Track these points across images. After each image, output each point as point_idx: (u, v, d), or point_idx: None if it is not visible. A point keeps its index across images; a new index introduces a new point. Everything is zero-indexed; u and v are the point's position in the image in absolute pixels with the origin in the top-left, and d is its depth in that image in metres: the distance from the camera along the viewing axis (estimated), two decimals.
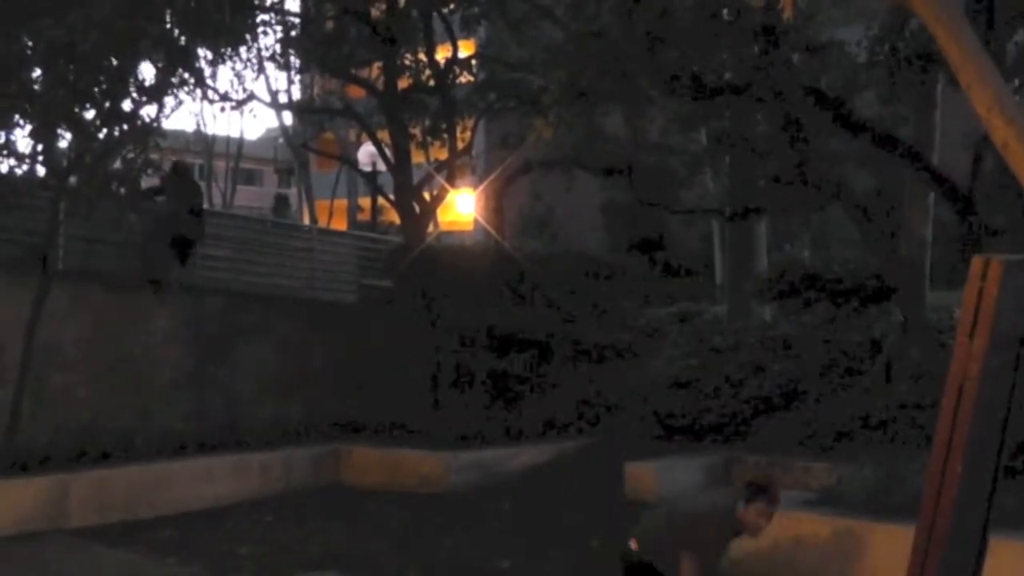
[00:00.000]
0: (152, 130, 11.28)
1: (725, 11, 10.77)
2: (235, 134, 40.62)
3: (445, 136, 15.77)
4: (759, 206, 14.09)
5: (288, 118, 29.67)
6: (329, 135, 26.50)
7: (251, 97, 14.77)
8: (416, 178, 15.61)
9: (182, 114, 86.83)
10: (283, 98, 27.24)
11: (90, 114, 10.65)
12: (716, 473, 10.94)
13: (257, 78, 33.41)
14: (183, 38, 10.72)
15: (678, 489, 10.44)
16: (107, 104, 10.56)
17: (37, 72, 10.61)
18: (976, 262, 3.08)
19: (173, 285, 12.61)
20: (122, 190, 10.90)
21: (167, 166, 13.08)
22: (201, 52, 11.33)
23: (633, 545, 5.67)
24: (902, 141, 11.15)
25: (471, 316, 14.24)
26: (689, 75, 10.76)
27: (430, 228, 16.06)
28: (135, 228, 12.20)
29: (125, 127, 10.84)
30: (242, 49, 12.92)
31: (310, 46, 15.19)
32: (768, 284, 14.39)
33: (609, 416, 13.06)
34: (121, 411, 11.60)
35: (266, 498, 10.86)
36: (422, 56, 15.63)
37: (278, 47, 14.98)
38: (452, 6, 15.71)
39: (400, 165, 15.15)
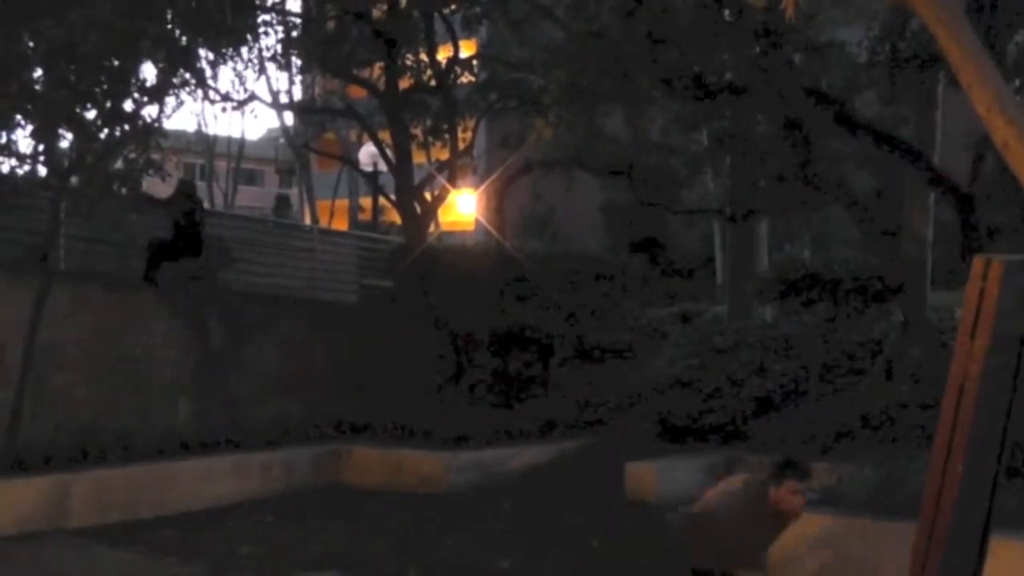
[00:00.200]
0: (153, 130, 11.29)
1: (726, 12, 10.78)
2: (236, 134, 40.64)
3: (446, 136, 15.78)
4: (760, 206, 14.10)
5: (289, 118, 29.68)
6: (330, 135, 26.50)
7: (252, 97, 14.79)
8: (417, 178, 15.62)
9: (183, 114, 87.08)
10: (284, 98, 27.29)
11: (91, 114, 10.66)
12: (717, 473, 10.92)
13: (258, 78, 33.50)
14: (184, 38, 10.73)
15: (679, 490, 10.43)
16: (108, 104, 10.57)
17: (38, 72, 10.62)
18: (977, 262, 3.08)
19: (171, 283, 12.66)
20: (123, 190, 10.90)
21: (169, 169, 13.10)
22: (202, 52, 11.34)
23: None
24: (903, 141, 11.15)
25: (472, 316, 14.24)
26: (690, 75, 10.76)
27: (431, 228, 16.08)
28: (136, 229, 12.21)
29: (126, 127, 10.85)
30: (243, 49, 12.94)
31: (311, 46, 15.20)
32: (769, 284, 14.38)
33: (610, 416, 13.06)
34: (122, 411, 11.60)
35: (267, 498, 10.86)
36: (423, 56, 15.64)
37: (279, 47, 14.99)
38: (453, 6, 15.72)
39: (401, 165, 15.15)
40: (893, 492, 7.60)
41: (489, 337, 14.27)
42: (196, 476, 10.85)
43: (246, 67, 13.79)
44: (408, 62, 15.64)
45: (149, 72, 11.34)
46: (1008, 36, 10.44)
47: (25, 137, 10.78)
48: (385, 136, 15.96)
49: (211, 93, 13.43)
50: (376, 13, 15.04)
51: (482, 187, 18.25)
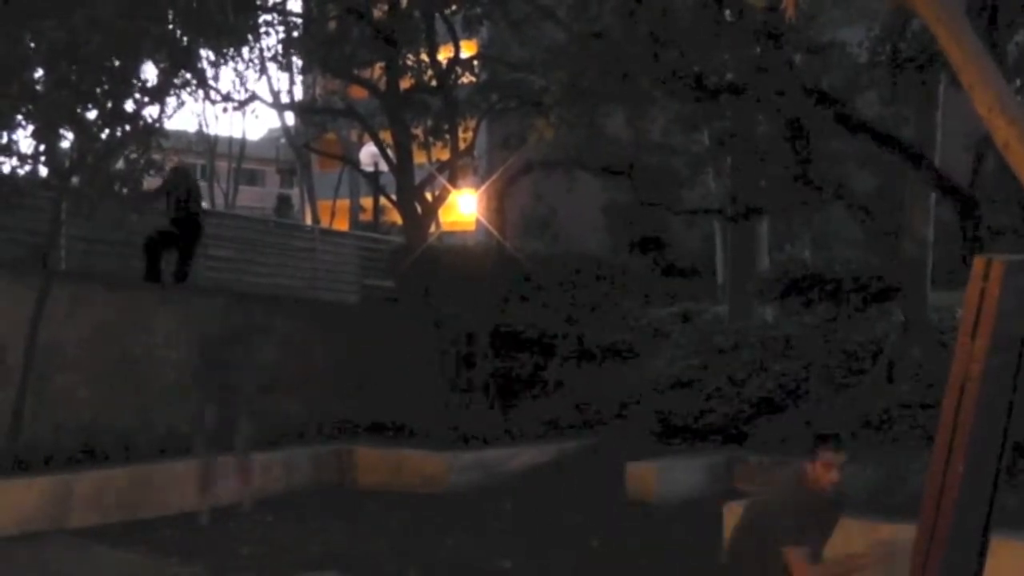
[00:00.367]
0: (154, 130, 11.28)
1: (727, 12, 10.78)
2: (237, 135, 40.69)
3: (447, 136, 15.78)
4: (761, 206, 14.09)
5: (290, 118, 29.70)
6: (331, 135, 26.50)
7: (253, 97, 14.80)
8: (418, 178, 15.62)
9: (184, 115, 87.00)
10: (285, 98, 27.31)
11: (92, 114, 10.65)
12: (718, 473, 10.94)
13: (259, 78, 33.43)
14: (185, 38, 10.73)
15: (679, 490, 10.45)
16: (109, 105, 10.56)
17: (40, 73, 10.61)
18: (978, 262, 3.08)
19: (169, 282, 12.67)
20: (124, 191, 10.91)
21: (169, 167, 13.11)
22: (203, 52, 11.34)
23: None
24: (904, 141, 11.16)
25: (473, 316, 14.24)
26: (691, 76, 10.77)
27: (432, 228, 16.08)
28: (136, 229, 12.22)
29: (127, 128, 10.84)
30: (244, 49, 12.95)
31: (312, 46, 15.20)
32: (770, 284, 14.39)
33: (610, 416, 13.06)
34: (123, 411, 11.60)
35: (267, 498, 10.85)
36: (424, 56, 15.63)
37: (280, 47, 15.00)
38: (454, 7, 15.72)
39: (402, 165, 15.15)
40: (894, 492, 7.59)
41: (490, 337, 14.27)
42: (197, 476, 10.83)
43: (247, 67, 13.82)
44: (409, 62, 15.64)
45: (150, 72, 11.35)
46: (1009, 36, 10.45)
47: (26, 137, 10.78)
48: (386, 136, 15.96)
49: (212, 93, 13.44)
50: (377, 13, 15.05)
51: (483, 187, 18.26)
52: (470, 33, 16.20)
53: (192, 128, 34.13)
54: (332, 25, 15.67)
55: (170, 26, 10.63)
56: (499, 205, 16.97)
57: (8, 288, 10.96)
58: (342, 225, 31.41)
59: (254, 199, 43.59)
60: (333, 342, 14.26)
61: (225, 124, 67.69)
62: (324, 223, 29.88)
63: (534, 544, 9.08)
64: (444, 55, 15.77)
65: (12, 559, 8.39)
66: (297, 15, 16.21)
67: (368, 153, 21.51)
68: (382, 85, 15.46)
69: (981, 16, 9.37)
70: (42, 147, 10.81)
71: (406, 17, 15.02)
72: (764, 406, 12.07)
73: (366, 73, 16.34)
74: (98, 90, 10.41)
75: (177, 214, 12.90)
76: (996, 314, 3.01)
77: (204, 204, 26.35)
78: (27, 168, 11.13)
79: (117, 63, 10.35)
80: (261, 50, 14.41)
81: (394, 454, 12.09)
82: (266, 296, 14.33)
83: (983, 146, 10.31)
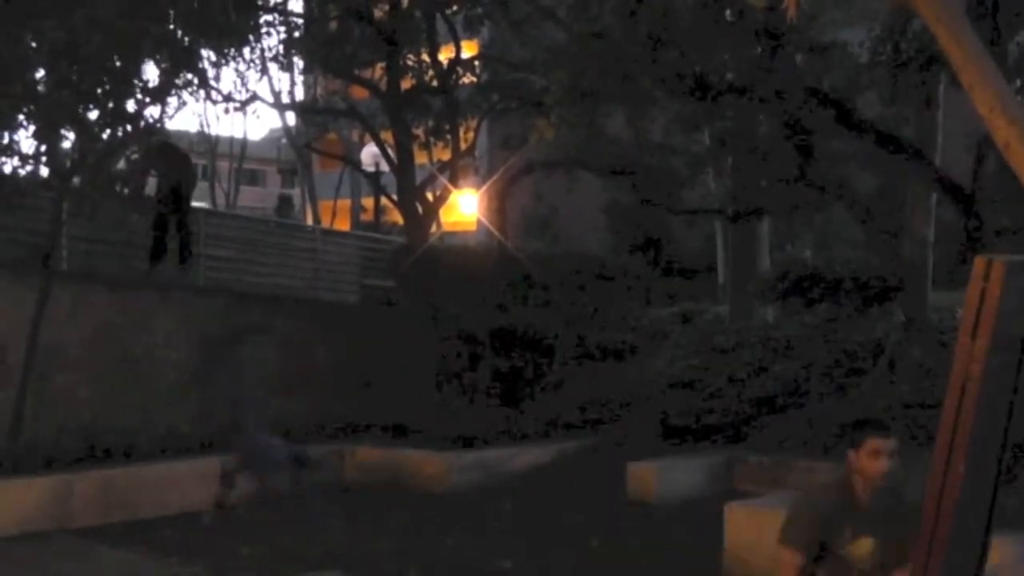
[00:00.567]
0: (156, 131, 11.30)
1: (728, 12, 10.79)
2: (238, 135, 40.72)
3: (448, 137, 15.79)
4: (761, 206, 14.11)
5: (291, 119, 29.74)
6: (332, 136, 26.54)
7: (254, 98, 14.80)
8: (419, 178, 15.63)
9: (186, 115, 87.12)
10: (286, 99, 27.35)
11: (94, 115, 10.66)
12: (718, 473, 10.94)
13: (260, 79, 33.40)
14: (187, 39, 10.73)
15: (679, 490, 10.44)
16: (110, 105, 10.56)
17: (40, 73, 10.62)
18: (978, 262, 3.08)
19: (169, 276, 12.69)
20: (125, 191, 10.92)
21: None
22: (205, 53, 11.33)
23: None
24: (904, 141, 11.16)
25: (473, 316, 14.25)
26: (691, 76, 10.77)
27: (433, 228, 16.10)
28: (137, 229, 12.22)
29: (129, 128, 10.85)
30: (245, 50, 12.92)
31: (313, 47, 15.22)
32: (770, 284, 14.38)
33: (611, 416, 13.06)
34: (124, 411, 11.60)
35: (267, 498, 10.84)
36: (425, 57, 15.65)
37: (281, 48, 15.01)
38: (455, 7, 15.73)
39: (403, 166, 15.16)
40: None
41: (491, 337, 14.28)
42: (198, 476, 10.83)
43: (248, 67, 13.78)
44: (410, 63, 15.66)
45: (151, 73, 11.36)
46: (1009, 36, 10.45)
47: (27, 137, 10.79)
48: (387, 136, 15.97)
49: (213, 93, 13.44)
50: (378, 14, 15.06)
51: (484, 187, 18.27)
52: (471, 33, 16.22)
53: (193, 128, 34.16)
54: (333, 25, 15.69)
55: (171, 26, 10.63)
56: (500, 205, 16.98)
57: (9, 288, 10.97)
58: (343, 225, 31.44)
59: (255, 199, 43.63)
60: (334, 342, 14.26)
61: (226, 124, 67.78)
62: (325, 223, 29.92)
63: (534, 544, 9.08)
64: (445, 55, 15.79)
65: (12, 559, 8.40)
66: (298, 15, 16.24)
67: (369, 153, 21.51)
68: (383, 85, 15.47)
69: (981, 16, 9.38)
70: (43, 147, 10.82)
71: (407, 17, 15.04)
72: (765, 406, 12.07)
73: (367, 73, 16.36)
74: (99, 90, 10.41)
75: (165, 207, 12.86)
76: (996, 314, 3.01)
77: (204, 204, 26.44)
78: (28, 168, 11.14)
79: (118, 63, 10.35)
80: (262, 50, 14.41)
81: (395, 454, 12.10)
82: (267, 296, 14.33)
83: (984, 146, 10.31)
